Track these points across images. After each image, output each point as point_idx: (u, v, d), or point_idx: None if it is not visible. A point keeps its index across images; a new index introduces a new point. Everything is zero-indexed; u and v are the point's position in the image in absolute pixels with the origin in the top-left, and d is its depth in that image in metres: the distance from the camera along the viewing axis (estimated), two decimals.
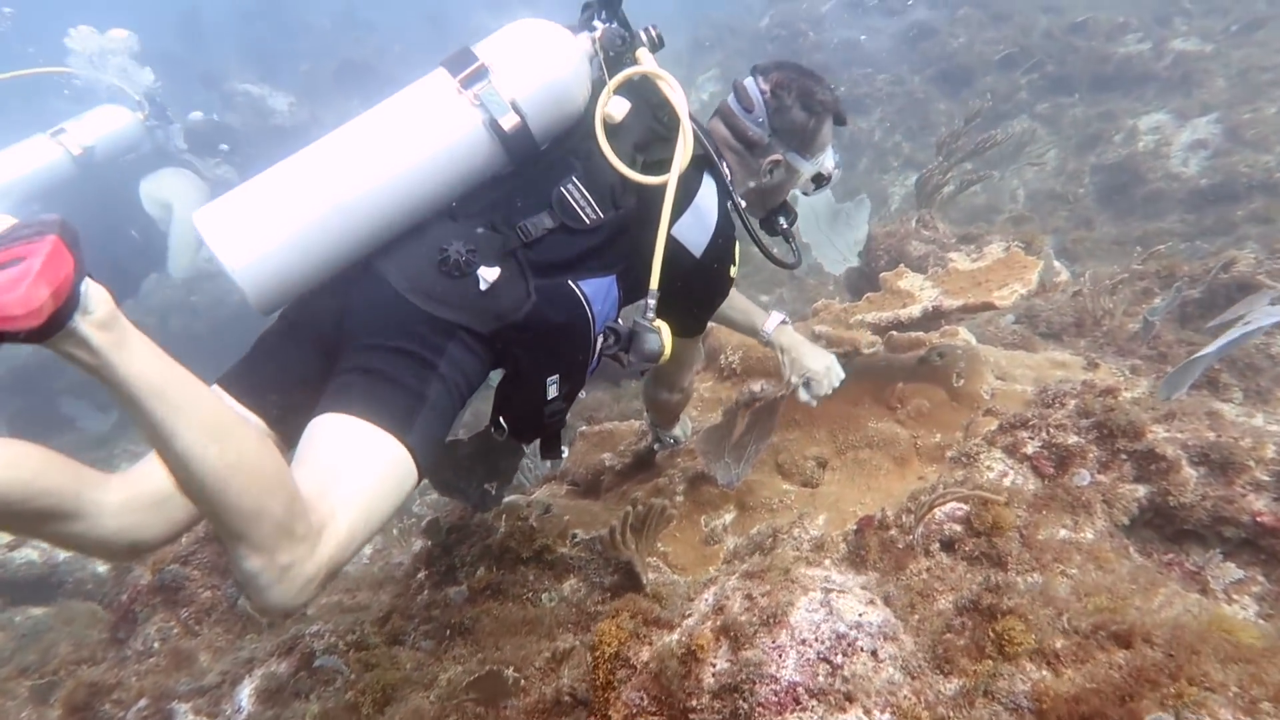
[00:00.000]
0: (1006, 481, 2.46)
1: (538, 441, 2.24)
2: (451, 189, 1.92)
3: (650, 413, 2.91)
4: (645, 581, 2.41)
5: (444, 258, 1.86)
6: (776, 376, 3.07)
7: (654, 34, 2.13)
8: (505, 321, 1.89)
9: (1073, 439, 2.48)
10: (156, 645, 2.71)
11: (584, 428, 3.30)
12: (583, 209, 2.00)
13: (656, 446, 2.99)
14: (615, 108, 2.01)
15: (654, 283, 2.05)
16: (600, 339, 2.10)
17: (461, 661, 2.17)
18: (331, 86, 12.91)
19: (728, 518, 2.70)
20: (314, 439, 1.69)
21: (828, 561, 2.38)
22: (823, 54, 10.74)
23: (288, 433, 1.88)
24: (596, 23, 2.07)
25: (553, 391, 2.06)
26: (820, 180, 2.44)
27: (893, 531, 2.36)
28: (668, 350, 2.12)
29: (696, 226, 2.17)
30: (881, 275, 3.13)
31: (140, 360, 1.30)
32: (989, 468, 2.51)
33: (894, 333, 3.43)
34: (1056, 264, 4.47)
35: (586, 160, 2.03)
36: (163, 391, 1.31)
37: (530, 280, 1.95)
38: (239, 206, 1.78)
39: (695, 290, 2.28)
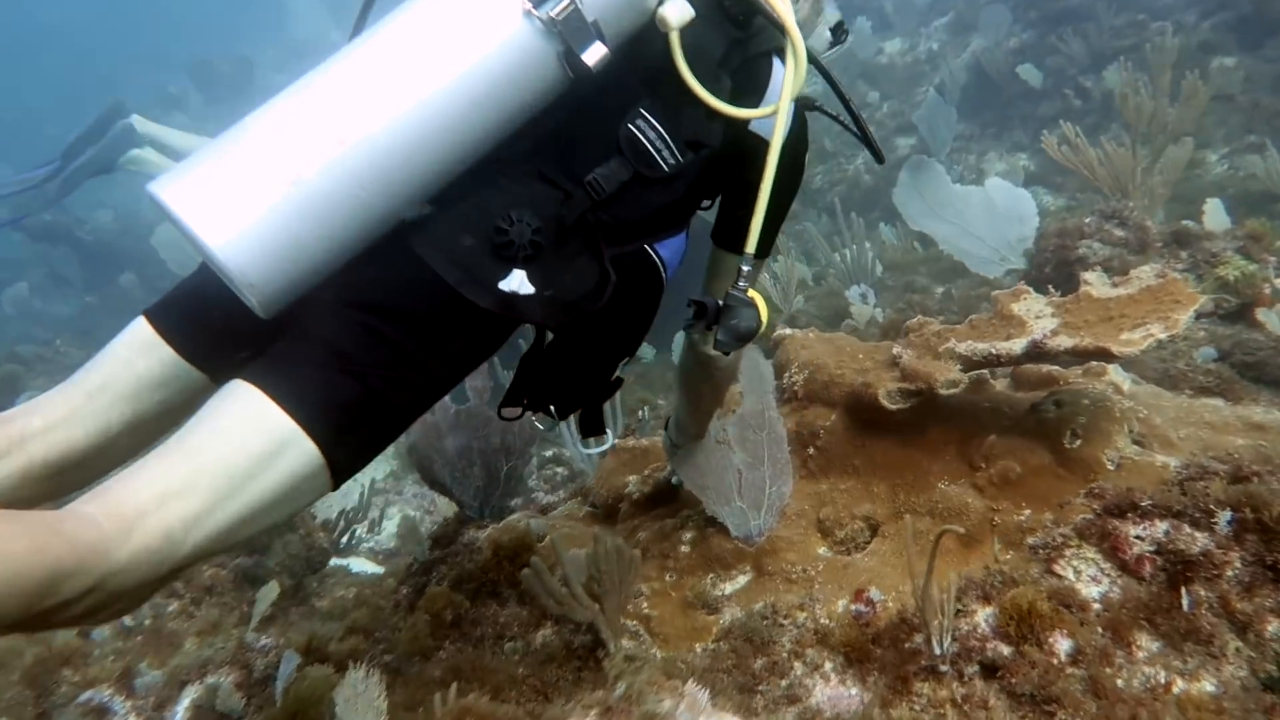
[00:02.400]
0: (1093, 592, 1.96)
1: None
2: (502, 131, 1.55)
3: (683, 405, 2.43)
4: (613, 649, 2.16)
5: (502, 239, 1.53)
6: (844, 406, 2.66)
7: None
8: (581, 313, 1.62)
9: (1202, 542, 1.92)
10: (147, 622, 2.83)
11: (617, 441, 3.06)
12: (659, 153, 1.65)
13: (675, 481, 2.69)
14: (674, 10, 1.56)
15: (751, 244, 1.71)
16: None
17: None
18: None
19: (741, 580, 2.38)
20: (216, 414, 1.43)
21: (828, 665, 2.02)
22: None
23: (221, 375, 1.65)
24: None
25: (617, 371, 1.86)
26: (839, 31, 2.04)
27: (918, 639, 1.95)
28: (765, 325, 1.81)
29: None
30: (994, 294, 2.61)
31: None
32: (1075, 570, 2.02)
33: (1028, 365, 2.89)
34: None
35: (653, 83, 1.66)
36: None
37: (605, 252, 1.65)
38: (225, 168, 1.39)
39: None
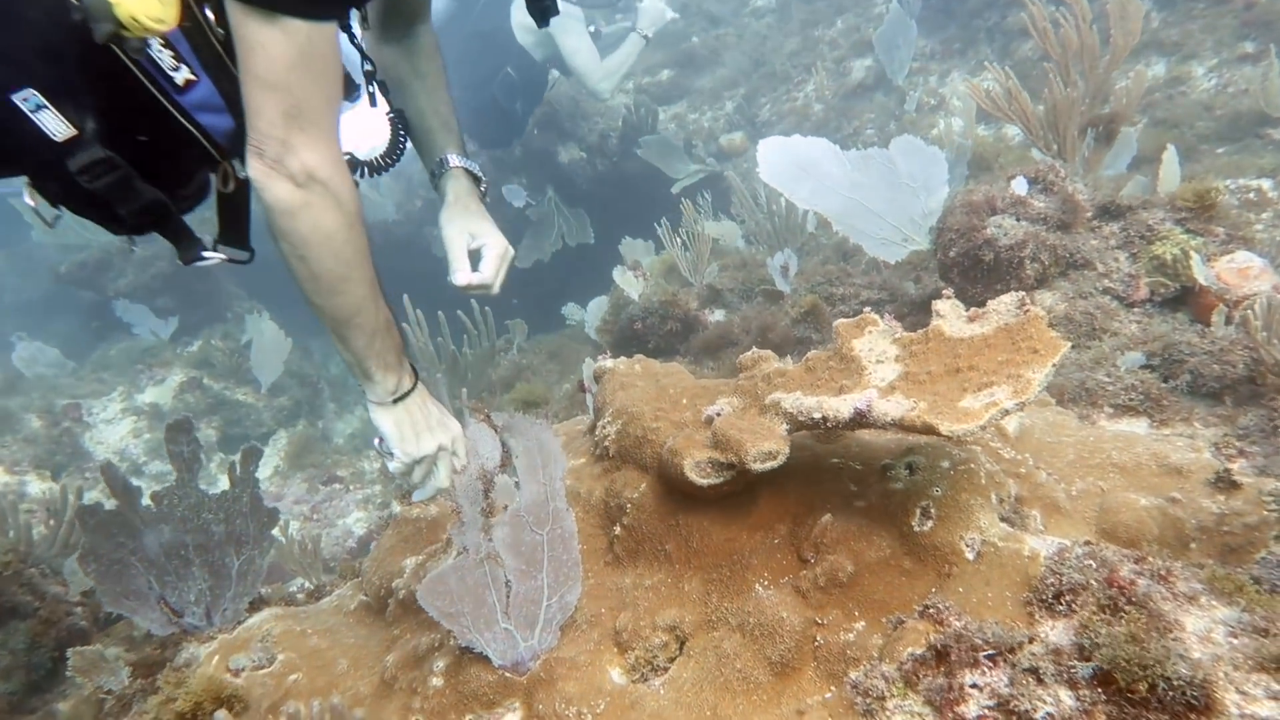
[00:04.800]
0: None
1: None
2: None
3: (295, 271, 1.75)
4: None
5: None
6: (657, 471, 2.24)
7: None
8: None
9: (1053, 701, 1.54)
10: None
11: (400, 509, 2.63)
12: None
13: (389, 462, 2.02)
14: None
15: None
16: None
17: None
18: None
19: None
20: None
21: None
22: None
23: None
24: None
25: (51, 126, 1.52)
26: None
27: None
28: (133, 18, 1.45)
29: None
30: (836, 324, 2.17)
31: None
32: None
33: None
34: (1250, 258, 3.18)
35: None
36: None
37: None
38: None
39: None
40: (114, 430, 9.36)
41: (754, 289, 5.83)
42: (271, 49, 1.51)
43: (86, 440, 9.21)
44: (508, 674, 2.00)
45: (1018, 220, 3.30)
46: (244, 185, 1.85)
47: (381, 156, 2.29)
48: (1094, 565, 1.75)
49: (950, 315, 1.98)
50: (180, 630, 2.39)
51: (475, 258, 2.21)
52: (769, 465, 1.95)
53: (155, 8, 1.48)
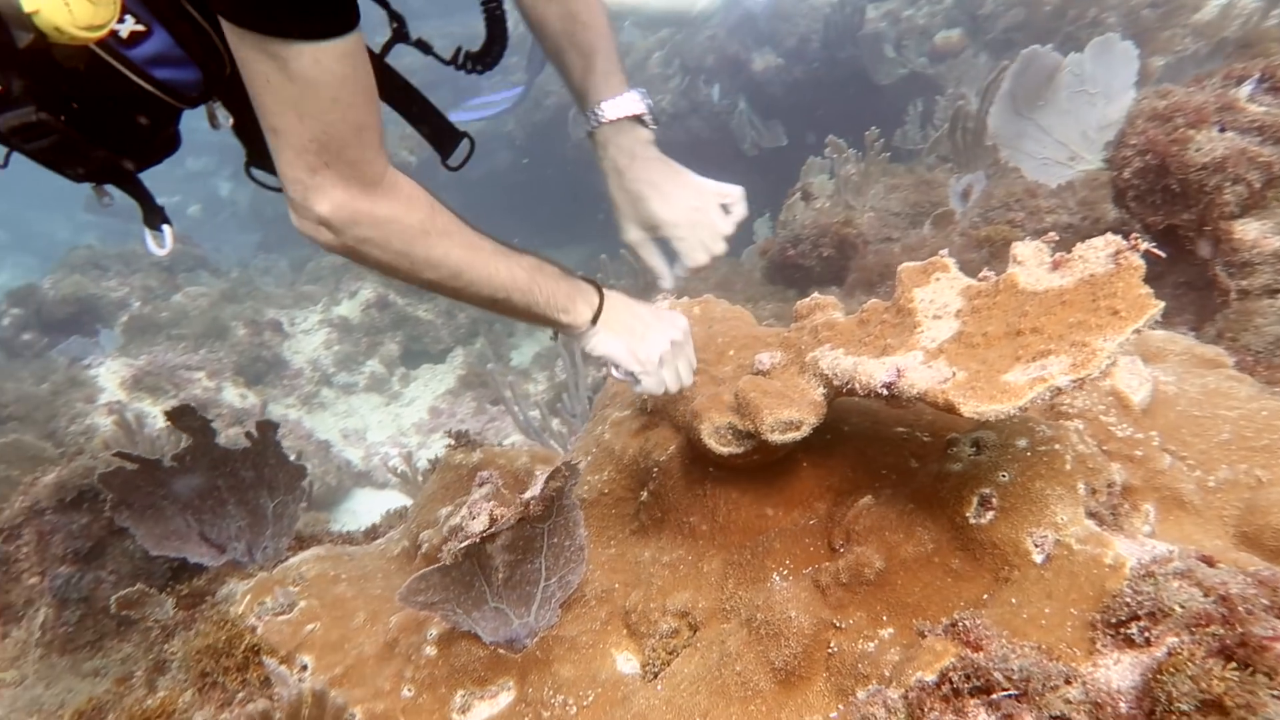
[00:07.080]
0: None
1: None
2: None
3: None
4: None
5: None
6: (685, 430, 2.02)
7: None
8: None
9: None
10: None
11: (446, 446, 2.55)
12: None
13: (635, 386, 1.90)
14: None
15: None
16: None
17: None
18: None
19: (502, 701, 1.88)
20: None
21: None
22: None
23: None
24: None
25: None
26: None
27: None
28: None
29: None
30: (901, 269, 1.84)
31: None
32: None
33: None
34: None
35: None
36: None
37: None
38: None
39: None
40: (310, 341, 10.12)
41: (925, 212, 5.32)
42: (274, 81, 1.30)
43: (285, 350, 10.01)
44: (501, 650, 1.90)
45: (1221, 130, 2.73)
46: (245, 112, 1.67)
47: (472, 55, 1.98)
48: (1188, 584, 1.41)
49: (1030, 262, 1.63)
50: (230, 563, 2.48)
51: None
52: (789, 437, 1.70)
53: (85, 12, 1.31)
